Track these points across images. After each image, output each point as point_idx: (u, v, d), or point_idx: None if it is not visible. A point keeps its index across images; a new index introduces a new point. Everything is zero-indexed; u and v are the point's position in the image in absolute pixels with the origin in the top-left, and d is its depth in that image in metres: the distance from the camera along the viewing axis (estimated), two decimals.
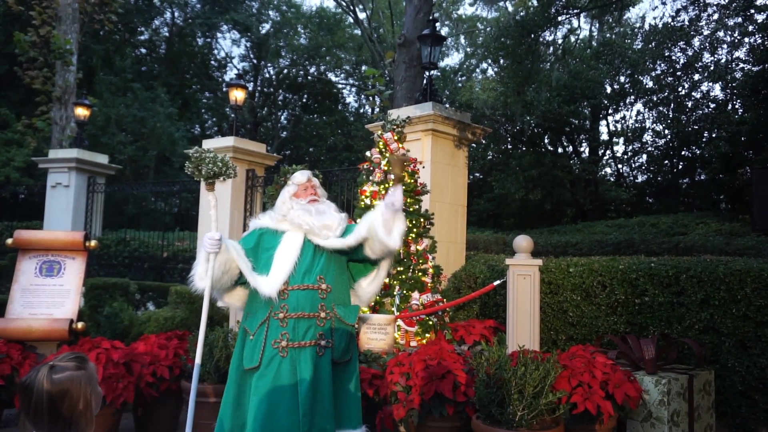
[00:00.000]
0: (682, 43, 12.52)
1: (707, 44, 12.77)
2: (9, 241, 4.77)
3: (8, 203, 14.83)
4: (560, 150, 19.52)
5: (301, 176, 3.47)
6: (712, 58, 13.40)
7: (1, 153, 16.68)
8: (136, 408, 4.70)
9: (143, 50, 27.65)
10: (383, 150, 5.80)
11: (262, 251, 3.26)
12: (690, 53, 13.23)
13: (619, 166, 19.99)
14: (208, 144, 9.44)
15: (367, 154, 5.95)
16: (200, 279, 3.24)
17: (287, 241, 3.26)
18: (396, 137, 5.82)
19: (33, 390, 1.58)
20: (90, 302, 6.67)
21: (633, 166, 19.72)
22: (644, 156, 18.79)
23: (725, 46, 13.01)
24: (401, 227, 3.24)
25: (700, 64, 13.51)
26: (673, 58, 13.70)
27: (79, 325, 4.65)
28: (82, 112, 11.32)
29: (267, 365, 3.04)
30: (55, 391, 1.58)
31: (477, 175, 21.28)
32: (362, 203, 5.77)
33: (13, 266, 4.94)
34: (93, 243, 4.91)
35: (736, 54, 13.29)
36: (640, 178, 19.42)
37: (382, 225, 3.17)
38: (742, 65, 13.35)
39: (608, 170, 20.48)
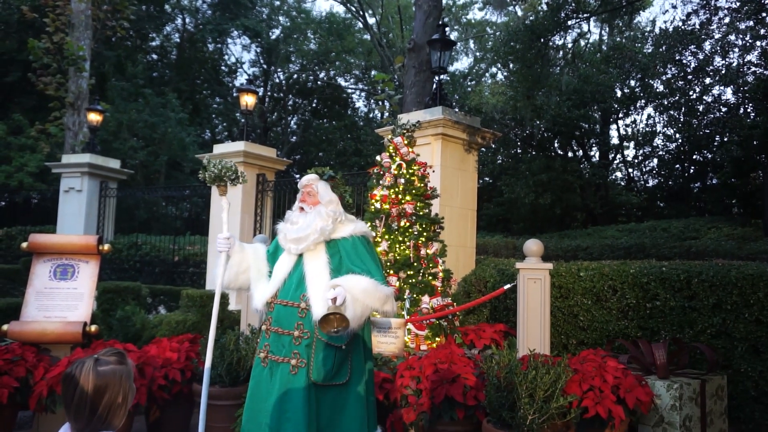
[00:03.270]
0: (693, 46, 12.46)
1: (718, 48, 12.71)
2: (24, 244, 4.82)
3: (22, 208, 14.98)
4: (570, 154, 19.46)
5: (303, 180, 3.41)
6: (724, 61, 13.33)
7: (15, 158, 16.88)
8: (148, 411, 4.73)
9: (154, 56, 27.88)
10: (393, 154, 5.82)
11: (276, 259, 3.32)
12: (701, 57, 13.16)
13: (630, 170, 19.91)
14: (219, 149, 9.51)
15: (377, 158, 5.98)
16: (220, 279, 3.34)
17: (285, 254, 3.28)
18: (406, 141, 5.84)
19: (78, 381, 1.65)
20: (102, 306, 6.72)
21: (644, 170, 19.64)
22: (655, 160, 18.72)
23: (737, 49, 12.94)
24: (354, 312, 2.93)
25: (711, 67, 13.44)
26: (684, 61, 13.63)
27: (93, 328, 4.69)
28: (94, 117, 11.44)
29: (254, 369, 3.19)
30: (99, 383, 1.66)
31: (486, 179, 21.26)
32: (372, 207, 5.79)
33: (27, 270, 5.00)
34: (106, 247, 4.96)
35: (748, 57, 13.22)
36: (650, 183, 19.34)
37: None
38: (753, 69, 13.27)
39: (619, 174, 20.41)
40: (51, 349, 4.63)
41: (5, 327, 4.55)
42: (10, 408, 4.18)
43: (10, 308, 5.87)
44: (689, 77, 14.19)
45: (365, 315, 3.02)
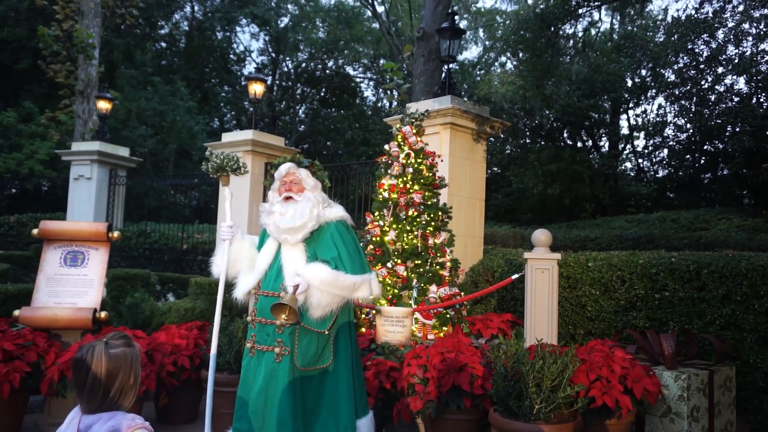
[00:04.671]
0: (705, 35, 12.29)
1: (731, 36, 12.53)
2: (35, 231, 4.86)
3: (32, 195, 15.08)
4: (579, 144, 19.35)
5: (281, 169, 3.34)
6: (737, 50, 13.14)
7: (25, 146, 16.98)
8: (158, 397, 4.78)
9: (163, 44, 27.88)
10: (401, 143, 5.80)
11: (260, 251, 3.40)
12: (714, 46, 12.98)
13: (640, 160, 19.78)
14: (227, 137, 9.52)
15: (386, 147, 5.96)
16: (216, 266, 3.43)
17: (267, 244, 3.33)
18: (414, 131, 5.82)
19: (91, 365, 1.67)
20: (112, 293, 6.78)
21: (654, 160, 19.50)
22: (665, 150, 18.58)
23: (750, 38, 12.75)
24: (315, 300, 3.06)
25: (724, 56, 13.25)
26: (696, 50, 13.46)
27: (102, 314, 4.73)
28: (104, 105, 11.46)
29: (244, 359, 3.28)
30: (112, 366, 1.69)
31: (495, 169, 21.19)
32: (380, 196, 5.78)
33: (38, 256, 5.03)
34: (116, 234, 4.98)
35: (762, 46, 13.03)
36: (660, 173, 19.20)
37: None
38: (767, 58, 13.09)
39: (628, 165, 20.28)
40: (61, 334, 4.67)
41: (17, 313, 4.60)
42: (21, 392, 4.23)
43: (21, 294, 5.92)
44: (701, 66, 14.01)
45: (332, 303, 3.06)
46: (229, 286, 3.49)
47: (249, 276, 3.33)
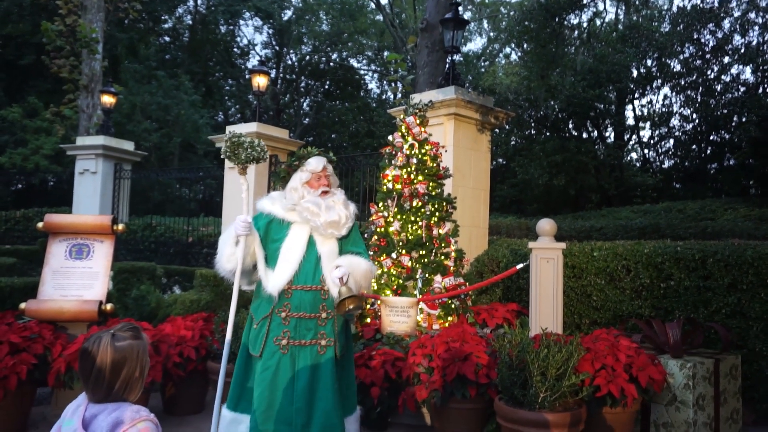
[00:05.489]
0: (711, 25, 12.22)
1: (737, 26, 12.45)
2: (40, 224, 4.88)
3: (38, 190, 15.16)
4: (585, 135, 19.23)
5: (316, 163, 3.34)
6: (743, 40, 13.06)
7: (31, 141, 17.02)
8: (164, 388, 4.80)
9: (167, 38, 27.87)
10: (405, 134, 5.79)
11: (270, 242, 3.26)
12: (720, 35, 12.91)
13: (646, 151, 19.67)
14: (231, 130, 9.52)
15: (389, 138, 5.95)
16: (227, 261, 3.24)
17: (294, 235, 3.22)
18: (418, 121, 5.81)
19: (96, 356, 1.67)
20: (118, 285, 6.79)
21: (659, 151, 19.39)
22: (671, 141, 18.46)
23: (756, 27, 12.66)
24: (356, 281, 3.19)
25: (730, 46, 13.18)
26: (702, 40, 13.38)
27: (108, 306, 4.75)
28: (108, 99, 11.48)
29: (269, 358, 3.12)
30: (117, 358, 1.68)
31: (500, 160, 21.13)
32: (384, 187, 5.78)
33: (43, 251, 5.05)
34: (121, 226, 5.00)
35: None
36: (666, 164, 19.10)
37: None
38: None
39: (634, 155, 20.17)
40: (68, 327, 4.70)
41: (23, 305, 4.62)
42: (29, 384, 4.25)
43: (27, 287, 5.95)
44: (707, 56, 13.92)
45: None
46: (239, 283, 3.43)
47: (270, 270, 3.21)
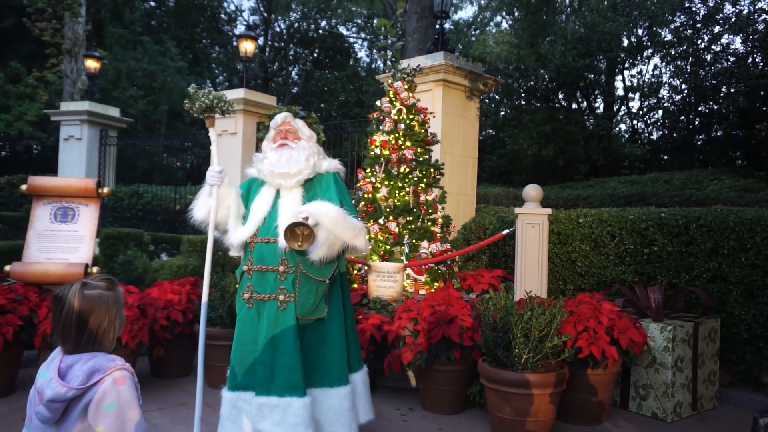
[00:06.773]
0: None
1: None
2: (23, 187, 4.82)
3: (22, 157, 14.95)
4: (574, 105, 19.22)
5: (277, 118, 3.38)
6: (734, 9, 12.99)
7: (14, 107, 16.72)
8: (152, 351, 4.83)
9: (152, 3, 27.26)
10: (393, 99, 5.75)
11: (250, 201, 3.31)
12: (711, 4, 12.83)
13: (634, 122, 19.71)
14: (194, 86, 9.39)
15: (377, 103, 5.92)
16: (198, 210, 3.30)
17: (263, 192, 3.27)
18: (406, 86, 5.77)
19: (65, 302, 1.68)
20: (104, 251, 6.77)
21: (648, 122, 19.44)
22: (660, 112, 18.50)
23: None
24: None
25: (721, 15, 13.11)
26: (693, 9, 13.31)
27: (94, 269, 4.73)
28: (92, 64, 11.27)
29: (239, 311, 3.22)
30: (85, 306, 1.68)
31: (489, 131, 21.09)
32: (372, 153, 5.76)
33: (29, 217, 5.00)
34: (106, 190, 4.96)
35: (759, 5, 12.87)
36: (655, 135, 19.18)
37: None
38: (765, 16, 12.95)
39: (623, 126, 20.21)
40: (53, 290, 4.69)
41: (7, 268, 4.59)
42: (15, 345, 4.26)
43: (12, 250, 5.91)
44: (698, 26, 13.86)
45: (335, 245, 3.04)
46: (221, 242, 3.44)
47: (243, 225, 3.25)
